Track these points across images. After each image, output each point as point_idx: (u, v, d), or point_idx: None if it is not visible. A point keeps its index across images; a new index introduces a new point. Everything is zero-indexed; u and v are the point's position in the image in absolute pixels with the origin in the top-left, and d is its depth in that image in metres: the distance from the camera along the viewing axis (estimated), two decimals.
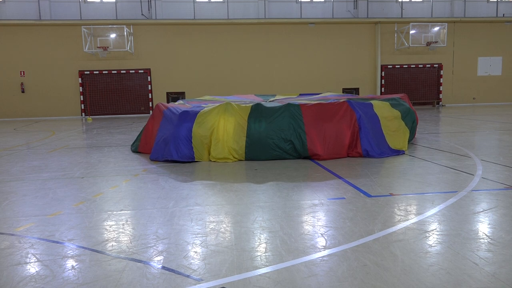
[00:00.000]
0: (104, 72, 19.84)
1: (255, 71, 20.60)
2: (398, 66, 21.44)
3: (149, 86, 20.20)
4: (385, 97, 8.41)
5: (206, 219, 3.64)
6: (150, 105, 20.17)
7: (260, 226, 3.41)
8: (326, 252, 2.84)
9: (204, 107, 7.50)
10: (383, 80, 21.36)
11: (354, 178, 5.16)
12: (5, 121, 18.78)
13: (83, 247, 3.04)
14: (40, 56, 19.45)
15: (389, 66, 21.37)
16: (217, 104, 7.14)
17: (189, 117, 6.83)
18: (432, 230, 3.21)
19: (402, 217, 3.55)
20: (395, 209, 3.79)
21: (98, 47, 18.99)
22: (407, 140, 7.56)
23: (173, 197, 4.40)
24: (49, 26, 19.27)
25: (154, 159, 6.79)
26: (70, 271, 2.63)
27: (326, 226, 3.38)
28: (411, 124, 7.84)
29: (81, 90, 19.78)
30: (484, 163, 5.87)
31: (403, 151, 6.98)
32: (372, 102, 7.52)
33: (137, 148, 7.88)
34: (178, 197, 4.42)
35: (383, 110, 7.45)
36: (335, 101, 7.53)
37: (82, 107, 19.93)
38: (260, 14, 20.29)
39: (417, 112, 9.47)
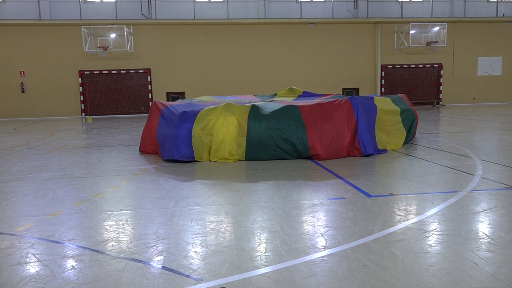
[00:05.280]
0: (104, 72, 19.84)
1: (255, 71, 20.60)
2: (398, 66, 21.44)
3: (149, 86, 20.20)
4: (386, 96, 8.48)
5: (206, 219, 3.64)
6: (150, 105, 20.16)
7: (260, 226, 3.41)
8: (326, 252, 2.84)
9: (204, 106, 7.51)
10: (383, 80, 21.37)
11: (354, 178, 5.16)
12: (5, 121, 18.78)
13: (83, 247, 3.04)
14: (40, 56, 19.45)
15: (389, 66, 21.37)
16: (217, 105, 7.15)
17: (189, 117, 6.83)
18: (432, 230, 3.21)
19: (402, 217, 3.55)
20: (395, 209, 3.79)
21: (98, 47, 18.99)
22: (402, 141, 7.62)
23: (173, 197, 4.40)
24: (49, 26, 19.27)
25: (165, 158, 6.70)
26: (70, 271, 2.63)
27: (326, 226, 3.38)
28: (410, 124, 7.88)
29: (81, 90, 19.78)
30: (484, 163, 5.87)
31: (386, 150, 7.05)
32: (374, 96, 7.65)
33: (139, 148, 7.95)
34: (178, 197, 4.42)
35: (383, 103, 7.52)
36: (336, 98, 7.55)
37: (82, 107, 19.93)
38: (260, 14, 20.29)
39: (417, 112, 9.48)
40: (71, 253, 2.94)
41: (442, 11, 21.64)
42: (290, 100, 9.96)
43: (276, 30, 20.54)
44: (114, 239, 3.20)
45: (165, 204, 4.14)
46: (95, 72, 19.77)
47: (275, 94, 11.76)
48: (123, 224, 3.56)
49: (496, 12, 21.69)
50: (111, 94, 20.03)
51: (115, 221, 3.66)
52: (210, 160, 6.63)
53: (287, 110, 6.75)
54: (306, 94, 11.27)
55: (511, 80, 22.21)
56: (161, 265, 2.69)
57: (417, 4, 21.55)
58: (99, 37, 19.10)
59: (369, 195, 4.28)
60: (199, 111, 6.99)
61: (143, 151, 7.72)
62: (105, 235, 3.31)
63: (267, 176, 5.40)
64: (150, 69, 20.08)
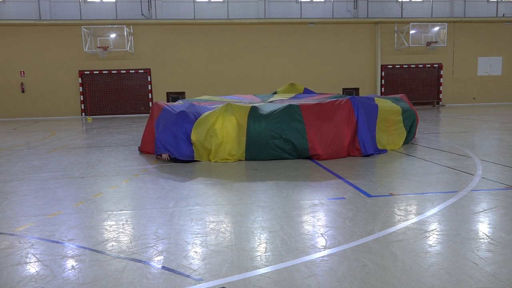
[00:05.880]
0: (104, 72, 19.83)
1: (255, 71, 20.59)
2: (398, 66, 21.44)
3: (149, 86, 20.20)
4: (386, 97, 8.48)
5: (206, 219, 3.64)
6: (150, 105, 20.16)
7: (260, 226, 3.41)
8: (326, 252, 2.84)
9: (207, 108, 7.50)
10: (383, 80, 21.36)
11: (354, 178, 5.16)
12: (5, 121, 18.78)
13: (83, 247, 3.04)
14: (40, 56, 19.44)
15: (389, 66, 21.36)
16: (217, 107, 7.14)
17: (187, 117, 6.83)
18: (432, 230, 3.21)
19: (402, 217, 3.55)
20: (395, 209, 3.79)
21: (98, 47, 18.98)
22: (402, 142, 7.62)
23: (173, 197, 4.40)
24: (49, 26, 19.26)
25: (157, 153, 6.80)
26: (70, 271, 2.63)
27: (326, 226, 3.38)
28: (410, 124, 7.88)
29: (81, 90, 19.78)
30: (484, 163, 5.87)
31: (386, 150, 7.06)
32: (375, 96, 7.67)
33: (139, 147, 7.96)
34: (178, 197, 4.42)
35: (384, 103, 7.52)
36: (336, 99, 7.55)
37: (82, 107, 19.92)
38: (260, 14, 20.29)
39: (417, 112, 9.48)
40: (71, 253, 2.94)
41: (442, 11, 21.64)
42: (289, 98, 9.94)
43: (276, 30, 20.54)
44: (114, 239, 3.20)
45: (165, 204, 4.14)
46: (95, 72, 19.76)
47: (275, 93, 11.70)
48: (123, 224, 3.56)
49: (496, 12, 21.69)
50: (111, 94, 20.02)
51: (115, 221, 3.66)
52: (210, 161, 6.63)
53: (287, 110, 6.74)
54: (306, 92, 11.24)
55: (511, 80, 22.21)
56: (161, 265, 2.69)
57: (417, 4, 21.54)
58: (99, 37, 19.09)
59: (369, 195, 4.28)
60: (199, 113, 6.98)
61: (143, 151, 7.72)
62: (105, 235, 3.31)
63: (267, 176, 5.40)
64: (150, 69, 20.08)
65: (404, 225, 3.34)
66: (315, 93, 11.31)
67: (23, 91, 19.56)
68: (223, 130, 6.63)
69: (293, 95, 10.79)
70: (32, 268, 2.71)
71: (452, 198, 4.08)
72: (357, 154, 6.73)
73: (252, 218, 3.62)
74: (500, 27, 21.67)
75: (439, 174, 5.28)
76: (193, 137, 6.64)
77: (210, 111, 6.97)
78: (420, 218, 3.51)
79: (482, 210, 3.71)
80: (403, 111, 7.76)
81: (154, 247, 3.00)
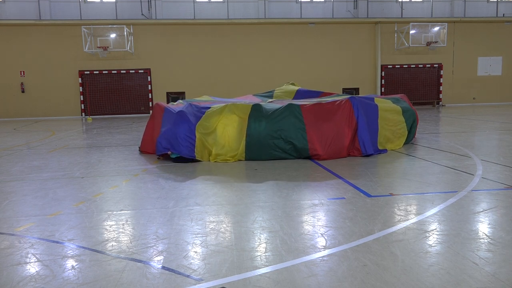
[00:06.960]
0: (104, 72, 19.83)
1: (255, 71, 20.60)
2: (398, 66, 21.44)
3: (149, 86, 20.20)
4: (386, 97, 8.48)
5: (206, 219, 3.64)
6: (150, 105, 20.17)
7: (260, 226, 3.41)
8: (326, 252, 2.84)
9: (207, 108, 7.51)
10: (383, 80, 21.36)
11: (354, 178, 5.16)
12: (5, 121, 18.77)
13: (83, 247, 3.04)
14: (40, 56, 19.44)
15: (389, 66, 21.36)
16: (218, 106, 7.14)
17: (187, 117, 6.83)
18: (432, 230, 3.21)
19: (402, 217, 3.55)
20: (395, 209, 3.79)
21: (98, 47, 18.98)
22: (403, 142, 7.62)
23: (173, 197, 4.40)
24: (49, 26, 19.27)
25: (159, 154, 6.78)
26: (70, 271, 2.63)
27: (326, 226, 3.38)
28: (411, 124, 7.88)
29: (81, 90, 19.78)
30: (484, 163, 5.87)
31: (386, 150, 7.05)
32: (374, 97, 7.67)
33: (139, 147, 7.96)
34: (178, 197, 4.42)
35: (384, 103, 7.53)
36: (336, 99, 7.54)
37: (82, 107, 19.92)
38: (260, 14, 20.29)
39: (417, 112, 9.49)
40: (71, 253, 2.94)
41: (442, 11, 21.64)
42: (289, 99, 9.93)
43: (276, 30, 20.54)
44: (114, 239, 3.20)
45: (165, 204, 4.14)
46: (95, 72, 19.76)
47: (273, 90, 11.67)
48: (123, 224, 3.56)
49: (496, 12, 21.69)
50: (111, 94, 20.03)
51: (115, 221, 3.66)
52: (210, 160, 6.63)
53: (288, 110, 6.74)
54: (301, 91, 11.17)
55: (511, 80, 22.21)
56: (161, 265, 2.69)
57: (417, 4, 21.54)
58: (99, 37, 19.09)
59: (369, 195, 4.28)
60: (199, 113, 6.98)
61: (143, 151, 7.72)
62: (105, 235, 3.31)
63: (267, 176, 5.40)
64: (150, 69, 20.08)
65: (404, 225, 3.34)
66: (313, 91, 11.25)
67: (23, 91, 19.56)
68: (224, 134, 6.65)
69: (292, 95, 10.77)
70: (32, 268, 2.71)
71: (452, 198, 4.08)
72: (357, 154, 6.73)
73: (252, 218, 3.62)
74: (500, 27, 21.68)
75: (439, 174, 5.28)
76: (196, 135, 6.64)
77: (213, 110, 6.96)
78: (420, 218, 3.51)
79: (482, 210, 3.71)
80: (404, 111, 7.77)
81: (154, 247, 3.00)
